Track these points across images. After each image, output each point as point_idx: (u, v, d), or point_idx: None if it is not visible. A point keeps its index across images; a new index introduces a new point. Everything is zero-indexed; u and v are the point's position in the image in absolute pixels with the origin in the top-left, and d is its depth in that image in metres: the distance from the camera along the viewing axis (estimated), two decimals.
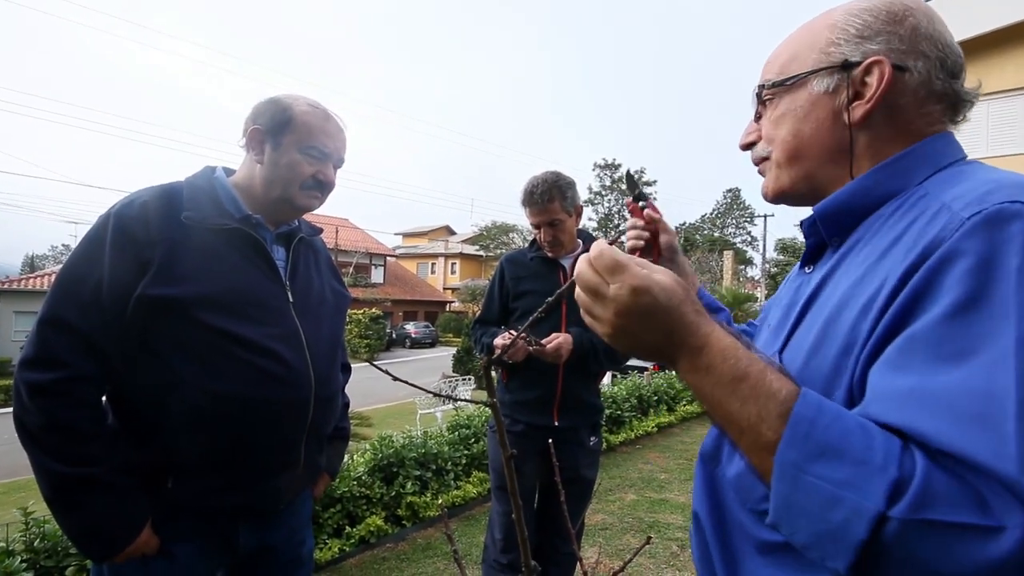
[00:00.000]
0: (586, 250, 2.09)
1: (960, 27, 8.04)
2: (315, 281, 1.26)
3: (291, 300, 1.15)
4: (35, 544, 2.17)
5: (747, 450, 0.48)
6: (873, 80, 0.59)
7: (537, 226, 1.93)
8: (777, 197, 0.70)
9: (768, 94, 0.67)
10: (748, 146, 0.73)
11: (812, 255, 0.68)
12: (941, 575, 0.38)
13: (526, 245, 2.13)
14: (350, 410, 1.52)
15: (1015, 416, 0.39)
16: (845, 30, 0.62)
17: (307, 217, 1.33)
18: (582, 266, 0.55)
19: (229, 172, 1.22)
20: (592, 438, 2.03)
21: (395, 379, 0.58)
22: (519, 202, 1.98)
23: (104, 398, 1.07)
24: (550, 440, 0.96)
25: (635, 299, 0.51)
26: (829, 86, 0.61)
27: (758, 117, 0.71)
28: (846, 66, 0.60)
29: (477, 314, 2.17)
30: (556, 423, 1.92)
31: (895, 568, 0.40)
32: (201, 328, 1.01)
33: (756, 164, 0.72)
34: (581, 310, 0.58)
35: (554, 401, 1.92)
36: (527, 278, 2.01)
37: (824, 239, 0.64)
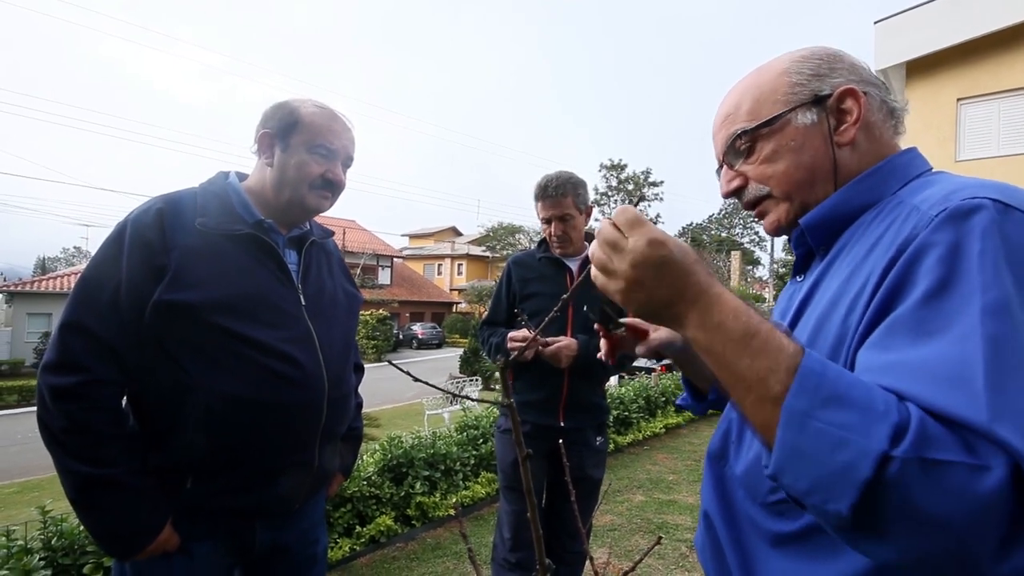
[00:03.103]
0: None
1: (971, 25, 7.96)
2: (327, 283, 1.28)
3: (303, 303, 1.17)
4: (53, 542, 2.21)
5: (753, 405, 0.50)
6: (851, 104, 0.67)
7: (548, 220, 1.94)
8: (790, 227, 0.73)
9: (748, 139, 0.71)
10: (733, 192, 0.76)
11: (802, 265, 0.74)
12: (933, 510, 0.41)
13: (533, 246, 2.14)
14: None
15: (983, 375, 0.44)
16: (800, 73, 0.69)
17: (315, 219, 1.35)
18: (603, 223, 0.58)
19: (243, 177, 1.25)
20: (598, 438, 2.04)
21: (415, 379, 0.59)
22: (531, 198, 2.00)
23: (124, 401, 1.09)
24: (560, 441, 0.98)
25: (652, 250, 0.54)
26: (812, 118, 0.68)
27: (731, 165, 0.75)
28: (818, 100, 0.67)
29: (484, 315, 2.19)
30: (562, 423, 1.94)
31: (893, 507, 0.42)
32: (215, 332, 1.03)
33: (752, 207, 0.75)
34: (594, 270, 0.61)
35: (560, 402, 1.93)
36: (534, 280, 2.02)
37: (812, 249, 0.70)
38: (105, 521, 1.01)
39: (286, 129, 1.16)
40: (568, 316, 1.94)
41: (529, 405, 1.95)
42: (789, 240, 0.74)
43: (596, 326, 1.00)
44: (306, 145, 1.16)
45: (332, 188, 1.21)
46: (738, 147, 0.72)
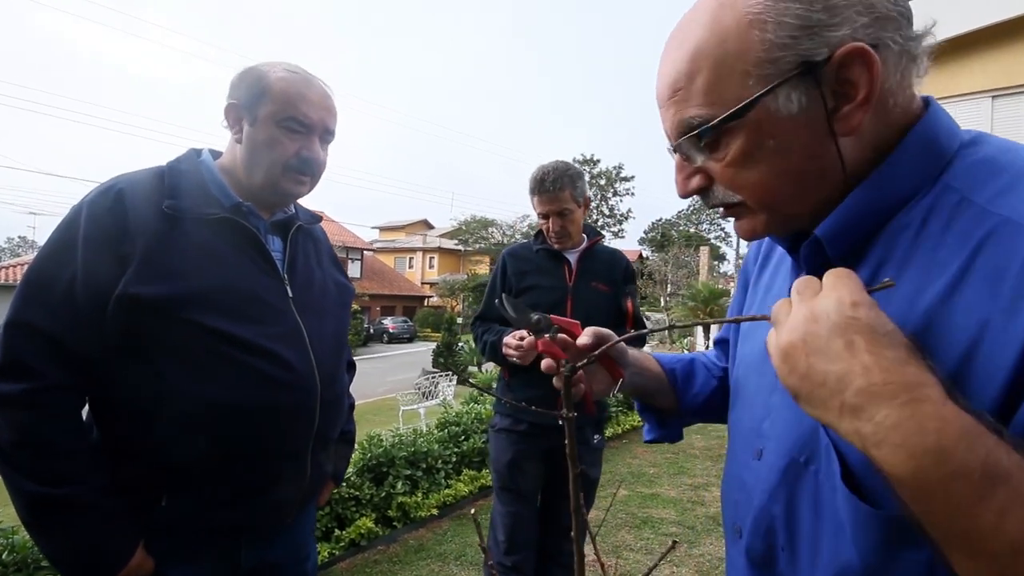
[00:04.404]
0: (592, 244, 2.03)
1: (962, 19, 8.04)
2: (316, 273, 1.16)
3: (290, 295, 1.06)
4: (3, 556, 2.02)
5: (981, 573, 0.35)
6: (857, 74, 0.45)
7: (545, 216, 1.87)
8: (770, 234, 0.58)
9: (711, 134, 0.50)
10: (693, 193, 0.56)
11: None
12: None
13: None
14: None
15: None
16: (781, 23, 0.45)
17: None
18: (808, 277, 0.46)
19: (217, 155, 1.11)
20: (596, 436, 2.00)
21: (474, 387, 0.51)
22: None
23: (87, 409, 0.96)
24: (564, 440, 0.90)
25: (837, 306, 0.40)
26: (801, 100, 0.46)
27: (688, 158, 0.55)
28: (809, 68, 0.45)
29: (477, 310, 2.11)
30: (560, 422, 1.87)
31: None
32: (192, 329, 0.91)
33: (718, 209, 0.56)
34: (773, 323, 0.45)
35: (558, 399, 1.86)
36: (531, 272, 1.95)
37: (830, 261, 0.52)
38: (66, 547, 0.88)
39: (254, 99, 1.02)
40: (567, 310, 1.87)
41: (527, 403, 1.88)
42: (796, 255, 0.57)
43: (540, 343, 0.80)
44: (275, 118, 1.02)
45: (309, 169, 1.07)
46: (696, 139, 0.51)
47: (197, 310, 0.92)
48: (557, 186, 1.81)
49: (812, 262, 0.53)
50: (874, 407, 0.36)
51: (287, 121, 1.02)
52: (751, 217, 0.54)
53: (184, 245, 0.95)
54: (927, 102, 0.52)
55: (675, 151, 0.55)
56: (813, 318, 0.40)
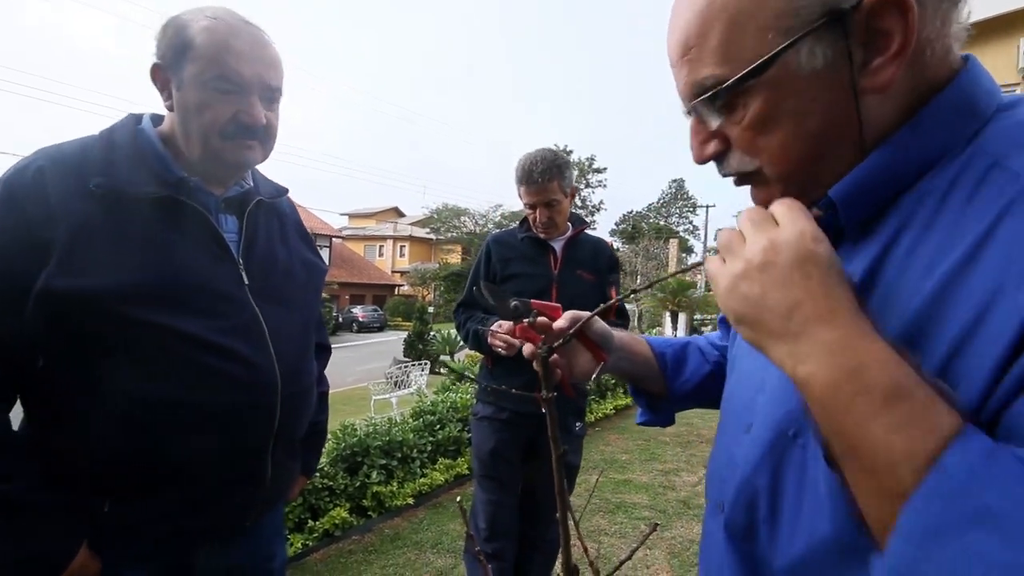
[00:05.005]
0: (577, 234, 2.01)
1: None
2: (279, 254, 1.04)
3: (246, 282, 0.95)
4: None
5: (867, 490, 0.38)
6: (891, 22, 0.41)
7: (532, 206, 1.85)
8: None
9: (725, 95, 0.47)
10: (709, 159, 0.54)
11: None
12: None
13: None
14: None
15: None
16: None
17: (260, 173, 1.10)
18: (755, 208, 0.48)
19: (160, 120, 0.97)
20: (577, 424, 2.01)
21: (460, 376, 0.49)
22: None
23: (23, 409, 0.88)
24: (547, 428, 0.90)
25: (799, 239, 0.42)
26: (827, 55, 0.43)
27: (703, 120, 0.52)
28: (836, 18, 0.42)
29: (459, 297, 2.08)
30: (542, 409, 1.87)
31: None
32: (131, 325, 0.82)
33: (734, 178, 0.54)
34: (712, 259, 0.48)
35: (540, 387, 1.87)
36: (516, 260, 1.93)
37: (841, 226, 0.49)
38: (1, 550, 0.80)
39: (176, 57, 0.87)
40: (552, 299, 1.86)
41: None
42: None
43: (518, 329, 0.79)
44: (201, 77, 0.87)
45: (253, 133, 0.92)
46: (711, 101, 0.48)
47: (135, 305, 0.82)
48: (546, 177, 1.78)
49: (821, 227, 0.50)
50: (814, 328, 0.40)
51: (215, 81, 0.87)
52: (766, 188, 0.52)
53: (117, 230, 0.83)
54: (967, 59, 0.47)
55: (689, 113, 0.53)
56: (774, 248, 0.42)
